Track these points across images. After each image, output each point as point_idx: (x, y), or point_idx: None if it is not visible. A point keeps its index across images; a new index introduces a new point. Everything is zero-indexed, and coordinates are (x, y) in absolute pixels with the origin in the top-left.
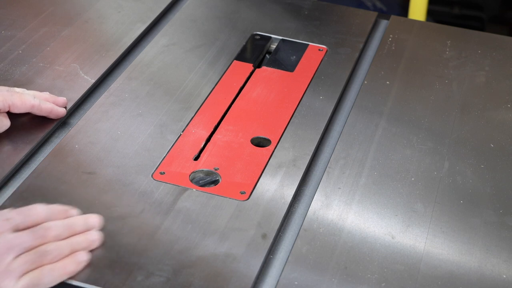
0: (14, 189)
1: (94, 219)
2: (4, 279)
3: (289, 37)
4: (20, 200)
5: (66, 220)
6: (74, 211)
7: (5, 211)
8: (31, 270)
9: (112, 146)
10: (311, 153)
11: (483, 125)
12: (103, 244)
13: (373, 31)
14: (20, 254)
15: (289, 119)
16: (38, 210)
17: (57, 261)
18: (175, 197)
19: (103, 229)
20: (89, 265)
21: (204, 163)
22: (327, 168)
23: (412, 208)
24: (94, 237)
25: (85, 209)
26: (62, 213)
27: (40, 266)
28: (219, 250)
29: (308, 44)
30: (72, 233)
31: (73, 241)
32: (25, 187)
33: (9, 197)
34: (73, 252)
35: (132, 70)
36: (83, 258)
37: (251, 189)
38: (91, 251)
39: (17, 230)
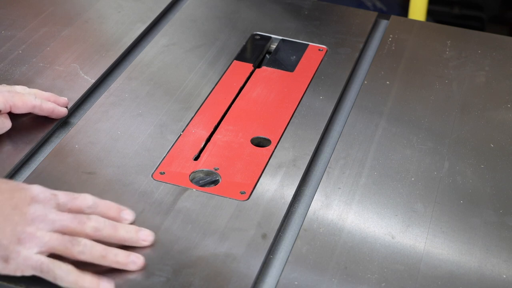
0: None
1: (146, 234)
2: (26, 243)
3: (289, 37)
4: None
5: (112, 221)
6: (129, 215)
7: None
8: (53, 256)
9: (112, 146)
10: (311, 153)
11: (483, 125)
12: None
13: (373, 31)
14: (53, 232)
15: (289, 119)
16: (86, 198)
17: (83, 260)
18: (175, 197)
19: None
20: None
21: (204, 163)
22: (327, 168)
23: (412, 208)
24: (135, 259)
25: None
26: (113, 209)
27: (65, 257)
28: (219, 250)
29: (308, 44)
30: (113, 235)
31: (107, 251)
32: None
33: None
34: (100, 262)
35: (132, 70)
36: (106, 285)
37: (251, 189)
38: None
39: (60, 210)
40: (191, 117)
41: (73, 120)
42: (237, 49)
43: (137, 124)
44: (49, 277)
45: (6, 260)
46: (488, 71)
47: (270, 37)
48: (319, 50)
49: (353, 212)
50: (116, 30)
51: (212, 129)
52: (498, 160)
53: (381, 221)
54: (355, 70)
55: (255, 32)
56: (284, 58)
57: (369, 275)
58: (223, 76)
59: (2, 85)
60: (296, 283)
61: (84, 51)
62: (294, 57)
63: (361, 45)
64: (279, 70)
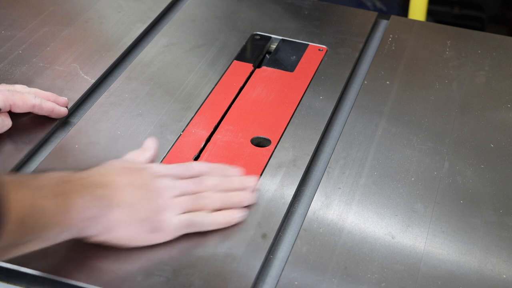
0: None
1: (251, 180)
2: (166, 211)
3: (289, 37)
4: None
5: (223, 177)
6: (232, 170)
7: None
8: (188, 212)
9: (112, 146)
10: (311, 153)
11: (483, 125)
12: (103, 244)
13: (373, 31)
14: (180, 196)
15: (289, 119)
16: (197, 165)
17: (212, 208)
18: None
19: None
20: (89, 265)
21: None
22: (327, 168)
23: (412, 208)
24: (247, 195)
25: None
26: (220, 170)
27: (196, 211)
28: (219, 250)
29: (308, 44)
30: (227, 188)
31: (227, 194)
32: None
33: None
34: (225, 203)
35: (132, 70)
36: (236, 214)
37: None
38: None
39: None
40: (191, 117)
41: (73, 120)
42: (237, 49)
43: (137, 124)
44: (195, 229)
45: (154, 231)
46: (488, 71)
47: (270, 37)
48: (319, 50)
49: (353, 212)
50: (116, 30)
51: (212, 129)
52: (498, 160)
53: (381, 221)
54: (355, 70)
55: (255, 32)
56: (284, 58)
57: (369, 275)
58: (223, 76)
59: (2, 84)
60: (296, 283)
61: (84, 51)
62: (294, 57)
63: (361, 45)
64: (279, 70)
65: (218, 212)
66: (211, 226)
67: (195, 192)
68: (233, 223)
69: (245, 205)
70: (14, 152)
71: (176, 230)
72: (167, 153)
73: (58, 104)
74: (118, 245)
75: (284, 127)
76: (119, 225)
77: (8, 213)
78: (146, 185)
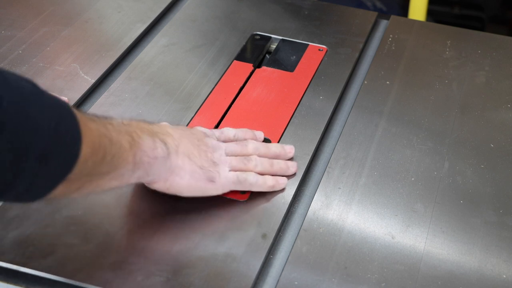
0: None
1: (290, 148)
2: (220, 164)
3: (289, 37)
4: None
5: (262, 142)
6: (258, 132)
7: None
8: (238, 171)
9: None
10: (311, 153)
11: (483, 125)
12: (103, 244)
13: (373, 31)
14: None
15: (289, 119)
16: (229, 130)
17: (257, 171)
18: (175, 197)
19: (102, 228)
20: (89, 265)
21: None
22: (327, 168)
23: (412, 208)
24: (293, 164)
25: (85, 209)
26: (249, 133)
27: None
28: (219, 250)
29: (308, 44)
30: (267, 152)
31: (273, 160)
32: None
33: None
34: (272, 168)
35: (132, 70)
36: (283, 181)
37: None
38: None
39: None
40: (191, 117)
41: None
42: (237, 49)
43: None
44: (244, 187)
45: (210, 180)
46: (488, 71)
47: (270, 37)
48: (319, 50)
49: (353, 212)
50: (116, 30)
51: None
52: (498, 160)
53: (381, 221)
54: (355, 70)
55: (255, 32)
56: (284, 58)
57: (369, 275)
58: (223, 76)
59: None
60: (296, 283)
61: (84, 51)
62: (294, 57)
63: (361, 45)
64: (279, 70)
65: (266, 176)
66: (259, 188)
67: (239, 154)
68: (279, 188)
69: (289, 173)
70: None
71: (228, 184)
72: None
73: None
74: (177, 192)
75: (284, 127)
76: (181, 170)
77: (82, 138)
78: (200, 141)
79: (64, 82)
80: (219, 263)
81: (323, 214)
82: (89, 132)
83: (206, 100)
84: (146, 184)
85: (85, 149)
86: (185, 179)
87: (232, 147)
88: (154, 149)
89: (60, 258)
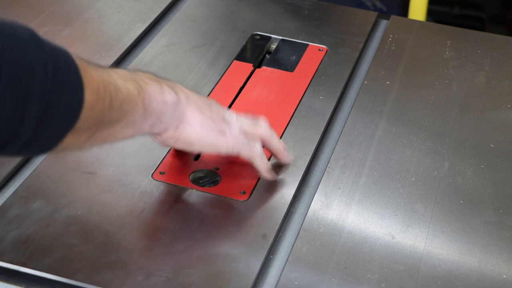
0: (14, 189)
1: (291, 155)
2: (231, 122)
3: (289, 37)
4: (20, 200)
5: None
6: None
7: None
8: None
9: (112, 146)
10: (311, 153)
11: (483, 125)
12: (103, 244)
13: (373, 31)
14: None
15: (289, 119)
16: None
17: (263, 138)
18: (175, 197)
19: (102, 228)
20: (89, 265)
21: (204, 163)
22: (327, 168)
23: (412, 208)
24: (291, 156)
25: (85, 209)
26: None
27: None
28: (219, 250)
29: (308, 44)
30: (272, 141)
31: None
32: (25, 187)
33: (9, 197)
34: (279, 143)
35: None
36: (274, 175)
37: (251, 189)
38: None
39: None
40: None
41: None
42: (237, 49)
43: None
44: (252, 152)
45: (221, 133)
46: (488, 71)
47: (270, 37)
48: (319, 50)
49: (353, 212)
50: (116, 30)
51: None
52: (498, 160)
53: (381, 221)
54: (355, 70)
55: (255, 32)
56: (284, 58)
57: (369, 275)
58: (223, 76)
59: None
60: (296, 283)
61: (84, 51)
62: (294, 57)
63: (361, 45)
64: (279, 70)
65: (265, 159)
66: (259, 163)
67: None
68: (271, 178)
69: (288, 160)
70: None
71: (235, 145)
72: (167, 153)
73: None
74: (187, 143)
75: (284, 127)
76: (190, 118)
77: (84, 85)
78: (212, 102)
79: None
80: (219, 263)
81: (323, 214)
82: (92, 79)
83: None
84: (155, 139)
85: (89, 95)
86: (195, 127)
87: (244, 116)
88: (163, 94)
89: (60, 258)
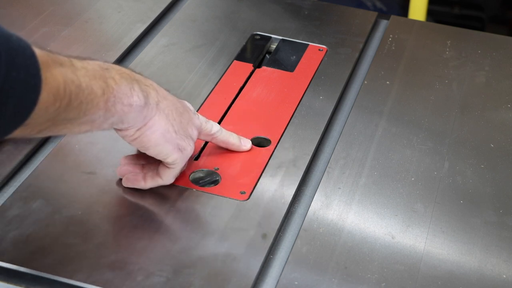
0: (14, 189)
1: (246, 141)
2: (192, 142)
3: (289, 37)
4: (20, 200)
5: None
6: (245, 140)
7: None
8: None
9: (112, 146)
10: (311, 153)
11: (483, 125)
12: (103, 244)
13: (373, 31)
14: None
15: (289, 119)
16: (215, 125)
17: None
18: (175, 197)
19: (102, 228)
20: (89, 265)
21: (204, 163)
22: (327, 168)
23: (412, 208)
24: (246, 143)
25: (85, 209)
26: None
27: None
28: (219, 250)
29: (308, 44)
30: (227, 139)
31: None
32: (25, 187)
33: (9, 197)
34: (231, 138)
35: None
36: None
37: (251, 189)
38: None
39: None
40: None
41: None
42: (237, 49)
43: None
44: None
45: (180, 149)
46: (488, 71)
47: (270, 37)
48: (319, 50)
49: (353, 212)
50: (116, 30)
51: None
52: (498, 160)
53: (381, 221)
54: (355, 70)
55: (255, 32)
56: (284, 58)
57: (369, 275)
58: (223, 76)
59: None
60: (296, 283)
61: (84, 51)
62: (294, 57)
63: (361, 45)
64: (279, 70)
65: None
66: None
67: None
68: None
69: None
70: (14, 152)
71: (188, 157)
72: None
73: None
74: (143, 145)
75: (284, 127)
76: (155, 124)
77: (43, 85)
78: (184, 111)
79: None
80: (219, 263)
81: (323, 214)
82: (52, 78)
83: (206, 100)
84: (116, 132)
85: (46, 95)
86: (156, 134)
87: (202, 121)
88: (130, 96)
89: (60, 258)
